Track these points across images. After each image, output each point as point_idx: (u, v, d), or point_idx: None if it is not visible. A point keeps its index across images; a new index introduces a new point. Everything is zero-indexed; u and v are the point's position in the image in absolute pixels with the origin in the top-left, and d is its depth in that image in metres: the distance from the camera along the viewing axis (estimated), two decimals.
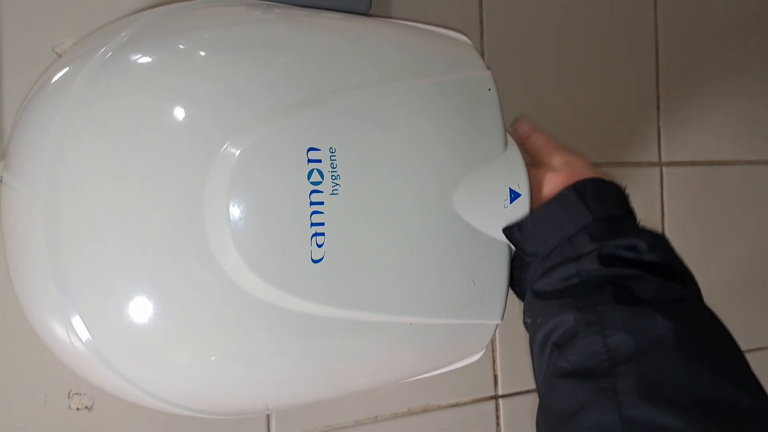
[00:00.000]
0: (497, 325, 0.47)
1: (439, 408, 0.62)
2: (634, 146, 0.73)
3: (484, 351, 0.49)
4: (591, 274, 0.40)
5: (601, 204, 0.42)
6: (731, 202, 0.79)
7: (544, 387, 0.39)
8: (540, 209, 0.44)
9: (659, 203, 0.74)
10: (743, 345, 0.37)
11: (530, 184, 0.45)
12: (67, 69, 0.39)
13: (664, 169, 0.75)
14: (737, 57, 0.79)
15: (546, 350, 0.39)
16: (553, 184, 0.45)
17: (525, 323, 0.44)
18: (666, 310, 0.37)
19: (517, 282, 0.47)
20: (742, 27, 0.80)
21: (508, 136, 0.46)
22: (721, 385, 0.33)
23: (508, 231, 0.44)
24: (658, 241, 0.42)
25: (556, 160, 0.47)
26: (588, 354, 0.36)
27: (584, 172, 0.45)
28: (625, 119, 0.72)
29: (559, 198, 0.43)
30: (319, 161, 0.37)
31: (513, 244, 0.45)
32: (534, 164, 0.48)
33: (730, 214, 0.79)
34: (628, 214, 0.44)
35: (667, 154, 0.75)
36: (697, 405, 0.32)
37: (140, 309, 0.35)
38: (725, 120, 0.79)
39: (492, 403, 0.64)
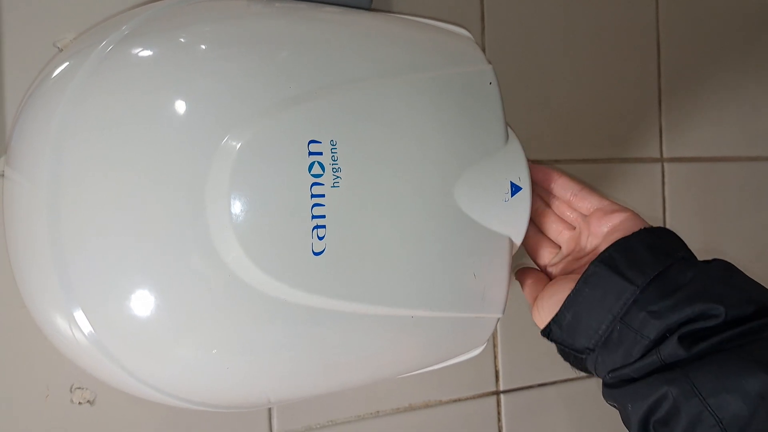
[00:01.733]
0: (498, 319, 0.47)
1: (441, 403, 0.62)
2: (635, 142, 0.73)
3: (485, 345, 0.49)
4: (672, 354, 0.35)
5: (637, 267, 0.38)
6: (733, 198, 0.79)
7: None
8: (573, 296, 0.40)
9: (661, 199, 0.74)
10: None
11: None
12: (68, 63, 0.39)
13: (666, 165, 0.74)
14: (739, 53, 0.79)
15: (649, 430, 0.36)
16: (578, 246, 0.43)
17: (608, 403, 0.40)
18: (759, 354, 0.33)
19: (576, 366, 0.43)
20: (745, 23, 0.80)
21: (509, 129, 0.46)
22: None
23: (546, 332, 0.41)
24: (728, 284, 0.37)
25: (578, 210, 0.45)
26: (698, 429, 0.33)
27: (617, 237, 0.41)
28: (626, 115, 0.72)
29: (590, 277, 0.39)
30: (320, 154, 0.38)
31: (557, 344, 0.42)
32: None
33: (732, 210, 0.79)
34: (674, 259, 0.39)
35: (669, 151, 0.74)
36: None
37: (142, 302, 0.36)
38: (727, 116, 0.78)
39: (493, 398, 0.64)
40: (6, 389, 0.46)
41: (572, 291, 0.40)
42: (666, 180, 0.74)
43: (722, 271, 0.38)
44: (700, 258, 0.41)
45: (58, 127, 0.36)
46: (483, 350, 0.49)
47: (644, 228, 0.41)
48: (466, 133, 0.43)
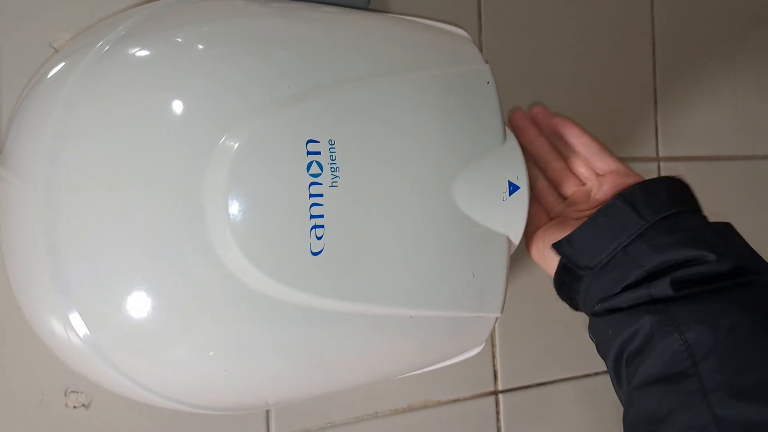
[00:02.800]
0: (497, 318, 0.47)
1: (440, 404, 0.62)
2: (631, 141, 0.73)
3: (483, 345, 0.49)
4: (662, 291, 0.38)
5: (652, 206, 0.41)
6: (729, 197, 0.79)
7: (628, 398, 0.38)
8: (589, 221, 0.43)
9: None
10: None
11: (584, 192, 0.45)
12: (64, 64, 0.38)
13: (662, 164, 0.75)
14: (735, 51, 0.79)
15: (622, 361, 0.38)
16: (599, 193, 0.44)
17: (591, 337, 0.43)
18: (737, 300, 0.36)
19: (566, 295, 0.46)
20: (740, 21, 0.80)
21: (507, 129, 0.46)
22: None
23: (558, 246, 0.44)
24: (725, 240, 0.40)
25: (603, 166, 0.47)
26: (669, 356, 0.35)
27: (637, 179, 0.44)
28: (622, 114, 0.72)
29: (607, 208, 0.42)
30: (318, 153, 0.37)
31: (565, 258, 0.44)
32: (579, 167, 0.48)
33: (728, 209, 0.79)
34: (684, 208, 0.42)
35: (665, 149, 0.75)
36: None
37: (139, 304, 0.35)
38: (723, 115, 0.79)
39: (492, 398, 0.64)
40: (0, 393, 0.45)
41: (590, 217, 0.43)
42: None
43: (725, 228, 0.41)
44: None
45: (54, 128, 0.36)
46: (481, 350, 0.49)
47: (669, 176, 0.44)
48: (464, 132, 0.43)
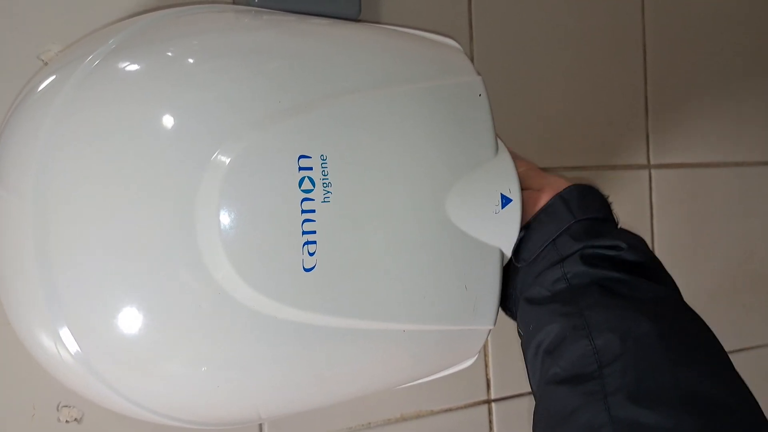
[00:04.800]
0: (490, 331, 0.47)
1: (432, 413, 0.62)
2: (623, 149, 0.73)
3: (476, 356, 0.49)
4: (576, 276, 0.41)
5: (583, 208, 0.44)
6: (720, 203, 0.80)
7: (539, 394, 0.40)
8: (531, 220, 0.46)
9: (648, 205, 0.75)
10: (733, 345, 0.38)
11: (530, 205, 0.47)
12: (54, 77, 0.38)
13: (653, 171, 0.75)
14: (725, 59, 0.80)
15: (538, 358, 0.40)
16: (540, 202, 0.47)
17: (518, 332, 0.45)
18: (648, 309, 0.38)
19: (508, 294, 0.48)
20: (730, 29, 0.80)
21: (499, 141, 0.46)
22: (704, 381, 0.35)
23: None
24: (637, 241, 0.43)
25: (540, 182, 0.49)
26: (577, 358, 0.37)
27: (565, 186, 0.47)
28: (613, 122, 0.72)
29: (547, 207, 0.45)
30: (310, 169, 0.37)
31: (513, 256, 0.46)
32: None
33: (718, 215, 0.80)
34: (610, 217, 0.46)
35: (656, 157, 0.75)
36: (682, 403, 0.33)
37: (130, 319, 0.35)
38: (713, 122, 0.79)
39: (485, 407, 0.64)
40: None
41: (533, 216, 0.46)
42: (653, 186, 0.75)
43: (640, 237, 0.44)
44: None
45: (44, 142, 0.36)
46: (474, 360, 0.49)
47: (599, 191, 0.48)
48: (456, 146, 0.43)
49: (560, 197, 0.45)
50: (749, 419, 0.34)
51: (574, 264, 0.42)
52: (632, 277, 0.41)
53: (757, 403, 0.35)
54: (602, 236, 0.43)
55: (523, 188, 0.49)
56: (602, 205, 0.46)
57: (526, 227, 0.46)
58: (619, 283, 0.40)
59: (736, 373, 0.37)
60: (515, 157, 0.51)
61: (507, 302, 0.48)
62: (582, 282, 0.41)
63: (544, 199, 0.46)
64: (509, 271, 0.47)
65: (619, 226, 0.46)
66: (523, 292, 0.44)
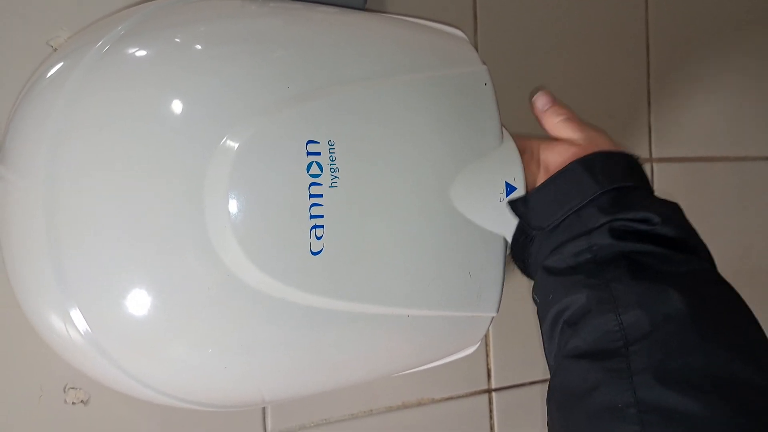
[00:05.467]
0: (492, 318, 0.47)
1: (434, 401, 0.62)
2: (625, 142, 0.73)
3: (479, 344, 0.49)
4: (603, 248, 0.39)
5: (609, 176, 0.41)
6: (722, 198, 0.80)
7: (556, 366, 0.38)
8: (546, 183, 0.43)
9: None
10: None
11: (544, 156, 0.44)
12: (63, 62, 0.39)
13: (655, 165, 0.75)
14: (728, 53, 0.80)
15: (557, 328, 0.38)
16: (566, 155, 0.44)
17: (534, 299, 0.43)
18: (680, 284, 0.36)
19: (519, 257, 0.45)
20: (733, 23, 0.80)
21: (504, 130, 0.47)
22: (737, 363, 0.32)
23: (513, 204, 0.44)
24: (672, 212, 0.40)
25: (576, 134, 0.45)
26: (601, 333, 0.35)
27: (600, 147, 0.43)
28: (616, 115, 0.72)
29: (566, 171, 0.42)
30: (318, 154, 0.38)
31: (518, 217, 0.44)
32: (552, 139, 0.47)
33: (720, 209, 0.80)
34: (640, 184, 0.43)
35: (658, 151, 0.75)
36: (714, 386, 0.31)
37: (139, 301, 0.35)
38: (716, 116, 0.79)
39: (485, 396, 0.65)
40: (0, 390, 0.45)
41: (548, 178, 0.43)
42: (655, 179, 0.75)
43: (673, 204, 0.41)
44: None
45: (54, 127, 0.36)
46: (476, 348, 0.50)
47: (628, 153, 0.44)
48: (461, 134, 0.44)
49: (582, 162, 0.42)
50: None
51: (601, 236, 0.39)
52: (664, 249, 0.38)
53: None
54: (633, 208, 0.39)
55: (558, 137, 0.46)
56: (631, 171, 0.43)
57: (539, 187, 0.43)
58: (649, 255, 0.38)
59: None
60: (555, 102, 0.48)
61: (519, 263, 0.46)
62: (609, 254, 0.38)
63: (570, 155, 0.43)
64: (520, 235, 0.45)
65: (651, 193, 0.43)
66: (540, 261, 0.42)
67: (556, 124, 0.47)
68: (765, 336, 0.35)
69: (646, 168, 0.74)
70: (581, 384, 0.34)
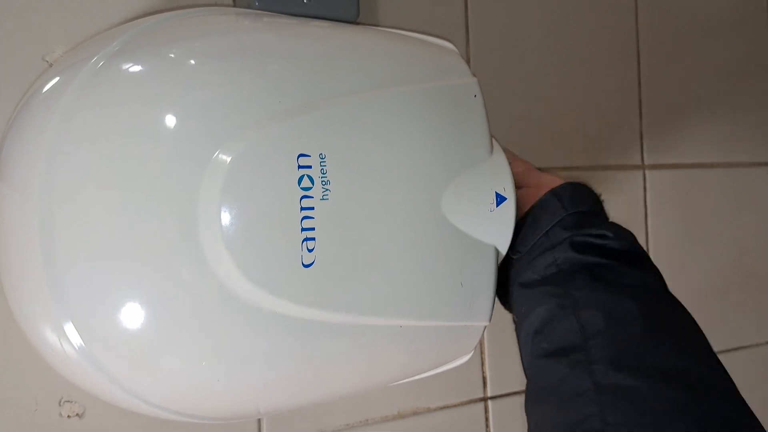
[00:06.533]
0: (485, 327, 0.47)
1: (429, 410, 0.62)
2: (617, 150, 0.74)
3: (472, 353, 0.49)
4: (566, 261, 0.43)
5: (574, 201, 0.46)
6: (713, 204, 0.80)
7: (529, 370, 0.42)
8: (526, 214, 0.47)
9: (642, 206, 0.76)
10: (725, 344, 0.39)
11: (525, 202, 0.48)
12: (59, 78, 0.39)
13: (647, 172, 0.76)
14: (718, 61, 0.81)
15: (529, 338, 0.43)
16: (535, 199, 0.48)
17: (513, 320, 0.46)
18: (632, 293, 0.41)
19: (505, 289, 0.49)
20: (723, 31, 0.81)
21: (494, 141, 0.47)
22: (681, 356, 0.37)
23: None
24: (624, 232, 0.45)
25: (537, 180, 0.50)
26: (564, 333, 0.40)
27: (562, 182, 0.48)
28: (607, 123, 0.73)
29: (541, 202, 0.47)
30: (310, 167, 0.38)
31: (509, 250, 0.48)
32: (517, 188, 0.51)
33: (712, 215, 0.80)
34: (601, 211, 0.48)
35: (650, 158, 0.76)
36: (661, 373, 0.36)
37: (133, 314, 0.36)
38: (707, 123, 0.80)
39: (481, 404, 0.65)
40: None
41: (528, 210, 0.48)
42: (647, 186, 0.76)
43: (628, 230, 0.46)
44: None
45: (49, 140, 0.36)
46: (470, 357, 0.50)
47: (592, 189, 0.50)
48: (452, 145, 0.44)
49: (553, 193, 0.47)
50: (725, 394, 0.36)
51: (564, 250, 0.44)
52: (619, 264, 0.43)
53: (732, 381, 0.37)
54: (591, 226, 0.45)
55: (521, 186, 0.50)
56: (593, 200, 0.48)
57: (521, 222, 0.47)
58: (606, 269, 0.43)
59: (714, 354, 0.39)
60: (514, 158, 0.53)
61: (507, 297, 0.49)
62: (571, 267, 0.43)
63: (538, 196, 0.48)
64: (506, 265, 0.48)
65: (608, 219, 0.48)
66: (516, 279, 0.46)
67: (518, 174, 0.51)
68: (707, 340, 0.40)
69: (638, 175, 0.75)
70: (550, 380, 0.39)
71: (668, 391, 0.35)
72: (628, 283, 0.42)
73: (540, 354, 0.41)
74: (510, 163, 0.51)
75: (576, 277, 0.42)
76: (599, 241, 0.44)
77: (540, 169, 0.54)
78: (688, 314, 0.42)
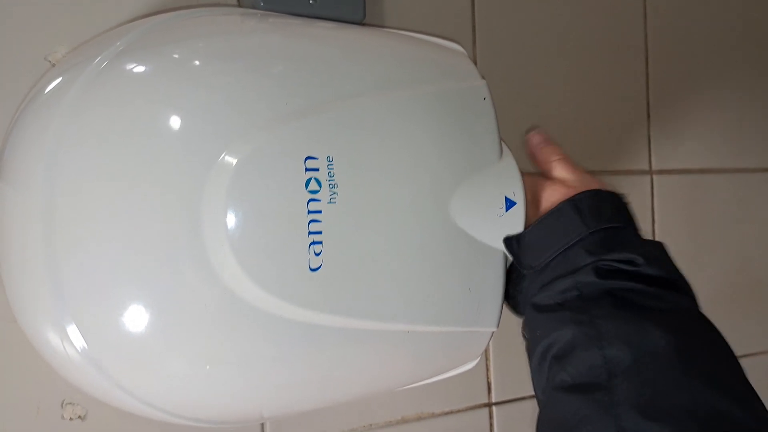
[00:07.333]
0: (493, 333, 0.47)
1: (433, 416, 0.62)
2: (624, 154, 0.73)
3: (479, 359, 0.49)
4: (588, 286, 0.40)
5: (597, 216, 0.43)
6: (721, 209, 0.80)
7: (545, 399, 0.39)
8: (537, 223, 0.44)
9: (650, 211, 0.75)
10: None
11: (536, 194, 0.45)
12: (62, 78, 0.39)
13: (655, 177, 0.75)
14: (726, 66, 0.80)
15: (545, 363, 0.40)
16: (556, 196, 0.45)
17: (523, 335, 0.44)
18: (663, 321, 0.37)
19: (511, 294, 0.47)
20: (731, 36, 0.81)
21: (504, 144, 0.47)
22: (716, 397, 0.34)
23: (507, 242, 0.45)
24: (656, 252, 0.42)
25: (569, 175, 0.47)
26: (586, 367, 0.37)
27: (589, 187, 0.45)
28: (615, 128, 0.72)
29: (555, 212, 0.44)
30: (317, 170, 0.38)
31: (511, 256, 0.45)
32: (543, 176, 0.48)
33: (719, 221, 0.80)
34: (627, 225, 0.44)
35: (658, 163, 0.75)
36: (692, 419, 0.32)
37: (137, 317, 0.35)
38: (715, 128, 0.79)
39: (485, 410, 0.65)
40: None
41: (539, 218, 0.44)
42: (655, 191, 0.75)
43: (658, 244, 0.43)
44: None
45: (52, 142, 0.36)
46: (476, 363, 0.49)
47: (615, 192, 0.46)
48: (461, 149, 0.44)
49: (571, 202, 0.43)
50: None
51: (586, 275, 0.41)
52: (647, 287, 0.40)
53: None
54: (618, 249, 0.41)
55: (549, 175, 0.47)
56: (619, 211, 0.44)
57: (532, 226, 0.45)
58: (633, 292, 0.39)
59: (749, 386, 0.36)
60: (548, 140, 0.49)
61: (510, 300, 0.47)
62: (594, 291, 0.40)
63: (559, 195, 0.45)
64: (512, 272, 0.46)
65: (638, 233, 0.45)
66: (529, 298, 0.43)
67: (550, 162, 0.48)
68: (743, 373, 0.37)
69: (646, 180, 0.74)
70: (570, 417, 0.35)
71: None
72: (658, 308, 0.39)
73: (558, 386, 0.37)
74: (542, 148, 0.48)
75: (600, 303, 0.39)
76: (628, 268, 0.40)
77: None
78: (725, 342, 0.38)
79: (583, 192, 0.44)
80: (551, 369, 0.39)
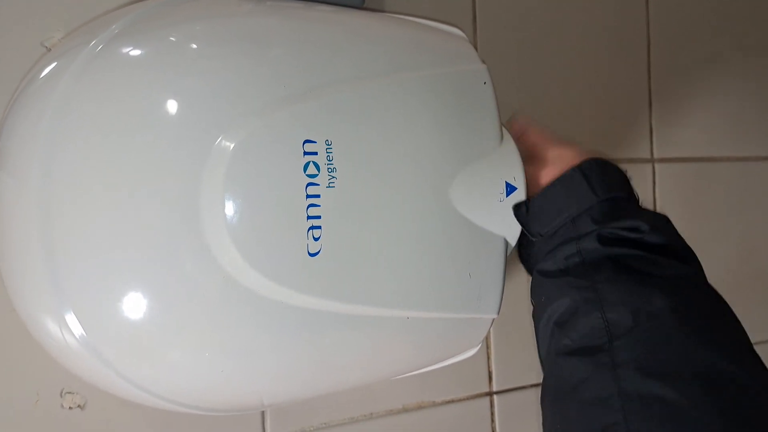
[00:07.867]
0: (493, 320, 0.47)
1: (434, 405, 0.62)
2: (626, 143, 0.73)
3: (479, 346, 0.49)
4: (590, 252, 0.41)
5: (604, 185, 0.43)
6: (723, 198, 0.80)
7: (548, 364, 0.40)
8: (546, 189, 0.44)
9: (651, 199, 0.75)
10: None
11: (527, 178, 0.45)
12: (57, 63, 0.38)
13: (656, 165, 0.75)
14: (728, 54, 0.80)
15: (548, 329, 0.40)
16: (548, 176, 0.45)
17: (532, 302, 0.44)
18: (664, 286, 0.38)
19: (525, 258, 0.47)
20: (734, 24, 0.80)
21: (504, 130, 0.46)
22: (717, 358, 0.34)
23: (516, 209, 0.45)
24: (661, 221, 0.42)
25: (551, 153, 0.47)
26: (587, 330, 0.37)
27: (581, 158, 0.45)
28: (617, 116, 0.72)
29: (565, 179, 0.44)
30: (315, 154, 0.37)
31: (520, 223, 0.45)
32: (531, 160, 0.48)
33: (721, 210, 0.79)
34: (631, 196, 0.45)
35: (659, 151, 0.75)
36: (693, 377, 0.33)
37: (135, 304, 0.35)
38: (717, 117, 0.79)
39: (486, 399, 0.64)
40: None
41: (549, 185, 0.44)
42: (656, 180, 0.75)
43: (662, 216, 0.43)
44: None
45: (48, 128, 0.36)
46: (477, 350, 0.49)
47: (618, 166, 0.46)
48: (461, 133, 0.43)
49: (580, 170, 0.43)
50: (762, 395, 0.33)
51: (589, 241, 0.41)
52: (650, 254, 0.40)
53: None
54: (623, 218, 0.41)
55: (536, 157, 0.47)
56: (623, 182, 0.45)
57: (540, 193, 0.44)
58: (635, 259, 0.40)
59: (753, 351, 0.36)
60: (529, 126, 0.49)
61: (524, 264, 0.48)
62: (596, 257, 0.40)
63: (551, 175, 0.45)
64: (524, 236, 0.46)
65: (640, 204, 0.45)
66: (536, 264, 0.44)
67: (534, 144, 0.48)
68: (748, 338, 0.37)
69: (648, 168, 0.74)
70: (571, 379, 0.36)
71: (705, 397, 0.32)
72: (660, 274, 0.39)
73: (560, 351, 0.38)
74: (525, 132, 0.48)
75: (602, 268, 0.39)
76: (632, 235, 0.40)
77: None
78: (730, 310, 0.38)
79: (591, 159, 0.44)
80: (554, 335, 0.40)
